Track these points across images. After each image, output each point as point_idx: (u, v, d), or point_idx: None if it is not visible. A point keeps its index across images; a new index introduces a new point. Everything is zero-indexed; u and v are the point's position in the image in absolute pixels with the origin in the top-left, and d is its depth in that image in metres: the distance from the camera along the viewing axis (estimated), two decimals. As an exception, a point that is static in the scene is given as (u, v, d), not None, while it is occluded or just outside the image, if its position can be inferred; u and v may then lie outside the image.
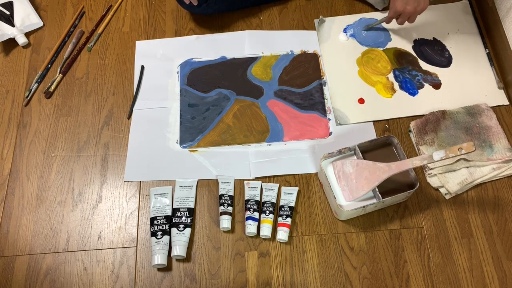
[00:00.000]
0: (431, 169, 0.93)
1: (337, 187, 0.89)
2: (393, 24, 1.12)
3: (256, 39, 1.13)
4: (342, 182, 0.89)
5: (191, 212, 0.92)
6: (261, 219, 0.90)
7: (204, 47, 1.12)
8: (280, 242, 0.89)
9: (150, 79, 1.09)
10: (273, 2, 1.17)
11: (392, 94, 1.04)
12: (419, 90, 1.05)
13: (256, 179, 0.96)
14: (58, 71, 1.10)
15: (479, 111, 0.99)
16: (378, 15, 1.14)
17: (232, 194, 0.93)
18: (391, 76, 1.06)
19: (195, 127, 1.02)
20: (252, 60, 1.10)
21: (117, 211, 0.94)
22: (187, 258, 0.89)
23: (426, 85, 1.05)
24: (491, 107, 1.00)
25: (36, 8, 1.19)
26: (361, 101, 1.04)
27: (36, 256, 0.90)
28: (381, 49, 1.10)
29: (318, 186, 0.95)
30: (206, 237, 0.91)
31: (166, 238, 0.88)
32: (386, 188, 0.87)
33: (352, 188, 0.87)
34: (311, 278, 0.87)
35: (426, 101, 1.03)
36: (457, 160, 0.92)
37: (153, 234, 0.88)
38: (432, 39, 1.11)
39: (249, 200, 0.91)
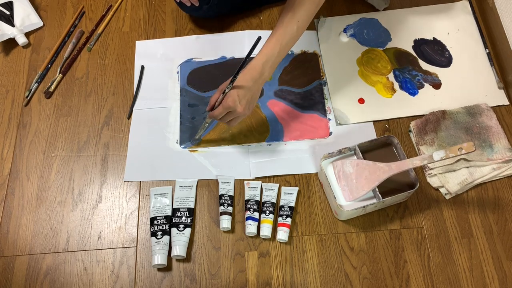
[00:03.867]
0: (431, 169, 0.93)
1: (337, 187, 0.89)
2: (393, 24, 1.12)
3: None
4: (342, 182, 0.89)
5: (191, 212, 0.92)
6: (261, 219, 0.90)
7: (204, 47, 1.12)
8: (280, 242, 0.89)
9: (150, 79, 1.08)
10: (273, 2, 1.17)
11: (392, 94, 1.04)
12: (419, 90, 1.04)
13: (256, 179, 0.96)
14: (58, 71, 1.10)
15: (479, 111, 0.99)
16: (378, 15, 1.14)
17: (232, 194, 0.93)
18: (391, 76, 1.06)
19: (195, 127, 1.02)
20: (252, 60, 1.10)
21: (117, 211, 0.94)
22: (187, 258, 0.89)
23: (426, 85, 1.05)
24: (491, 107, 1.00)
25: (36, 8, 1.19)
26: (361, 101, 1.04)
27: (36, 256, 0.90)
28: (381, 49, 1.10)
29: (318, 186, 0.95)
30: (206, 237, 0.91)
31: (166, 238, 0.88)
32: (386, 188, 0.87)
33: (352, 188, 0.87)
34: (311, 278, 0.87)
35: (426, 101, 1.03)
36: (457, 160, 0.92)
37: (153, 234, 0.88)
38: (432, 39, 1.11)
39: (249, 200, 0.91)
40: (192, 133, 1.01)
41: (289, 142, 1.00)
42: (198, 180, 0.96)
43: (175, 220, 0.90)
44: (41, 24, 1.17)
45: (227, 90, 0.82)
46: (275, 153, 0.98)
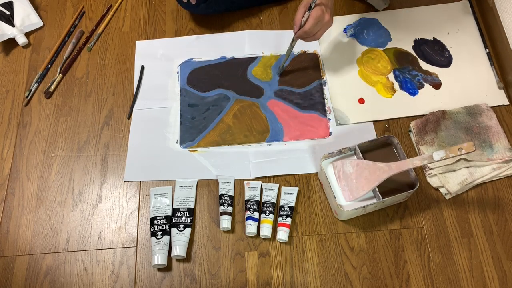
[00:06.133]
0: (431, 169, 0.93)
1: (337, 187, 0.89)
2: (393, 24, 1.13)
3: (256, 39, 1.13)
4: (342, 182, 0.89)
5: (191, 212, 0.92)
6: (261, 219, 0.90)
7: (204, 47, 1.12)
8: (280, 242, 0.89)
9: (150, 79, 1.09)
10: (273, 2, 1.17)
11: (392, 94, 1.04)
12: (419, 90, 1.04)
13: (256, 179, 0.96)
14: (58, 71, 1.10)
15: (479, 111, 0.99)
16: (378, 15, 1.14)
17: (232, 194, 0.93)
18: (391, 76, 1.06)
19: (195, 127, 1.02)
20: (252, 60, 1.10)
21: (117, 211, 0.94)
22: (187, 258, 0.89)
23: (426, 85, 1.05)
24: (491, 107, 1.00)
25: (36, 8, 1.19)
26: (361, 101, 1.04)
27: (36, 256, 0.90)
28: (381, 49, 1.10)
29: (318, 186, 0.95)
30: (206, 237, 0.91)
31: (166, 238, 0.88)
32: (386, 188, 0.87)
33: (352, 188, 0.87)
34: (311, 278, 0.87)
35: (426, 101, 1.03)
36: (457, 160, 0.92)
37: (153, 234, 0.88)
38: (432, 39, 1.11)
39: (249, 200, 0.91)
40: (193, 132, 1.01)
41: (289, 142, 1.00)
42: (198, 180, 0.96)
43: (175, 220, 0.90)
44: (41, 24, 1.17)
45: (313, 5, 0.89)
46: (275, 153, 0.98)
